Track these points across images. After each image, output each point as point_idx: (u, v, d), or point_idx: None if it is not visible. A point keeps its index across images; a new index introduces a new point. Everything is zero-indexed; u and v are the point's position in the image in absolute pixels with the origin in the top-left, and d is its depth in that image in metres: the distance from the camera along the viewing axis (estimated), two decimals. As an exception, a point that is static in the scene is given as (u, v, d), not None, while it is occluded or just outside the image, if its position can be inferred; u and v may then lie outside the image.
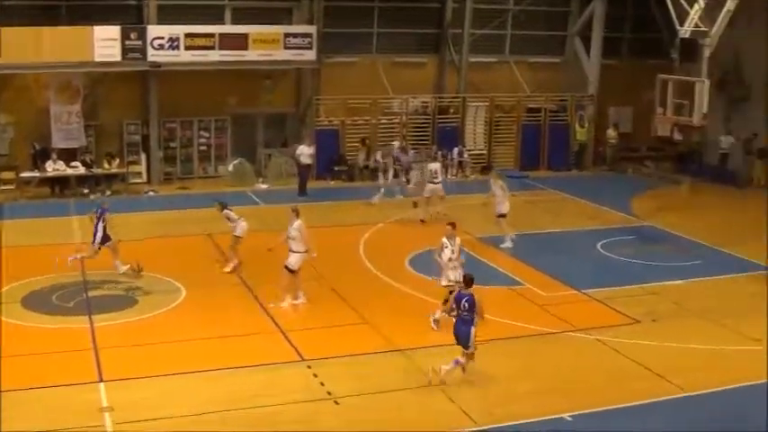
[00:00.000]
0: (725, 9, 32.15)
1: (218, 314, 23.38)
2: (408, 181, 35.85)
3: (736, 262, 29.31)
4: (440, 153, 41.42)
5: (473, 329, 19.50)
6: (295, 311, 23.89)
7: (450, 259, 22.97)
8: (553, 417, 18.06)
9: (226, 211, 27.63)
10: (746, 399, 19.27)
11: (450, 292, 21.94)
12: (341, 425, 17.59)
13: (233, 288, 25.53)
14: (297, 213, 24.71)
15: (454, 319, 20.01)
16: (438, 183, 33.64)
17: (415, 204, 34.12)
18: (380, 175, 39.28)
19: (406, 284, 26.10)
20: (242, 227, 27.35)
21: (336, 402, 18.47)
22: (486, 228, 31.77)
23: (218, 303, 24.23)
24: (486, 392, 19.13)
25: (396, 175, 37.20)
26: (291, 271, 24.30)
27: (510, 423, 17.75)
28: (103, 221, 26.24)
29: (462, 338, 19.61)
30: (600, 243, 30.93)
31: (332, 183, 39.96)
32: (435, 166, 34.41)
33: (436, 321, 22.66)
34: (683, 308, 24.89)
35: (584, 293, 25.82)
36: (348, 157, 41.13)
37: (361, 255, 29.03)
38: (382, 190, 36.13)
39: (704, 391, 19.40)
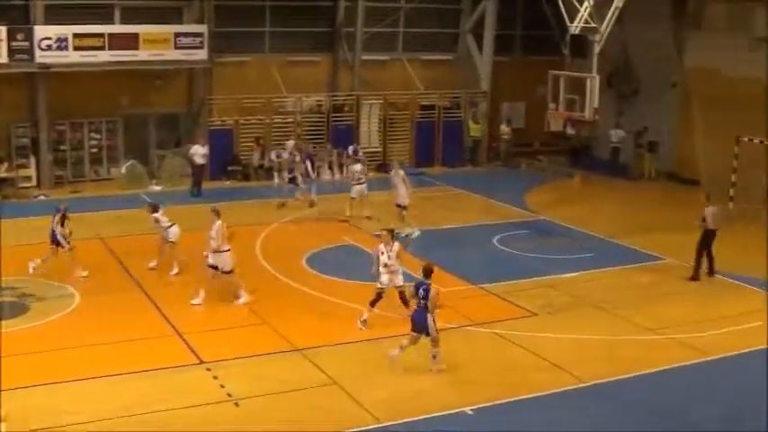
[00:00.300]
0: (614, 6, 32.59)
1: (114, 319, 22.98)
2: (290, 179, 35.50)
3: (629, 253, 29.81)
4: (335, 151, 41.54)
5: (430, 317, 19.98)
6: (196, 313, 23.63)
7: (385, 264, 22.86)
8: (454, 411, 18.15)
9: (155, 214, 27.13)
10: (642, 387, 19.59)
11: (379, 295, 22.56)
12: (242, 426, 17.44)
13: (128, 292, 25.15)
14: (217, 214, 24.59)
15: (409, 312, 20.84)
16: (363, 183, 33.68)
17: (281, 205, 34.01)
18: (275, 174, 39.24)
19: (304, 284, 26.01)
20: (174, 232, 26.93)
21: (237, 404, 18.32)
22: (383, 224, 31.80)
23: (113, 308, 23.83)
24: (387, 389, 19.12)
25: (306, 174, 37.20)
26: (229, 272, 24.15)
27: (412, 419, 17.79)
28: (57, 224, 26.08)
29: (418, 325, 20.12)
30: (496, 237, 31.17)
31: (227, 183, 39.63)
32: (358, 167, 34.31)
33: (364, 322, 22.72)
34: (578, 300, 25.22)
35: (482, 288, 26.01)
36: (242, 157, 40.83)
37: (258, 255, 28.84)
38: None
39: (601, 381, 19.68)
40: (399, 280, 22.87)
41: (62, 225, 26.28)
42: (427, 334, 20.07)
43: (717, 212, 27.81)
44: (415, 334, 20.21)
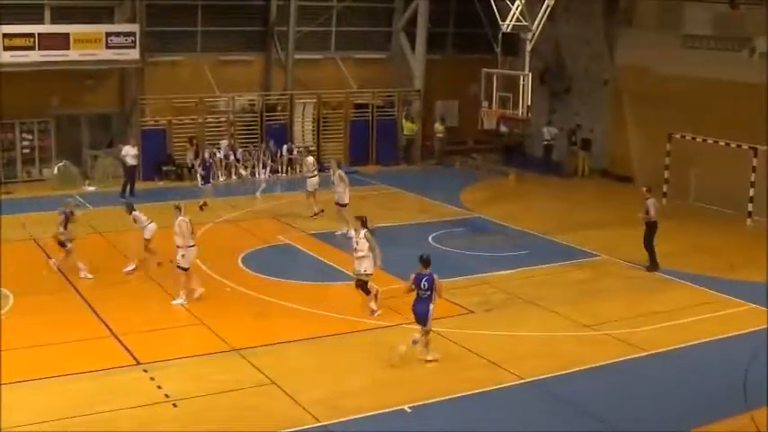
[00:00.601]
0: (545, 4, 32.85)
1: (50, 320, 22.72)
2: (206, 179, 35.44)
3: (564, 250, 30.00)
4: (269, 151, 41.44)
5: (431, 307, 20.48)
6: (132, 314, 23.39)
7: (354, 249, 23.47)
8: (393, 408, 18.15)
9: (134, 213, 27.22)
10: (580, 382, 19.74)
11: (358, 284, 23.43)
12: (180, 427, 17.29)
13: (63, 293, 24.87)
14: (180, 210, 24.67)
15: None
16: (316, 176, 34.04)
17: (204, 206, 33.87)
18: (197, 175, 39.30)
19: (240, 283, 25.88)
20: (150, 229, 27.00)
21: (175, 405, 18.17)
22: (318, 224, 31.87)
23: (48, 309, 23.57)
24: (326, 388, 19.06)
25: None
26: (184, 269, 24.14)
27: (351, 417, 17.76)
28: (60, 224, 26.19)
29: (422, 316, 20.52)
30: (431, 236, 31.23)
31: (160, 183, 39.33)
32: (311, 159, 34.91)
33: (372, 312, 23.58)
34: (514, 297, 25.35)
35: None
36: (176, 157, 40.55)
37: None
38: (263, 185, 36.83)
39: (541, 377, 19.79)
40: (363, 267, 23.33)
41: (65, 227, 26.23)
42: (424, 324, 20.42)
43: (657, 204, 28.64)
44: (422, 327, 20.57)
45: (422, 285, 20.42)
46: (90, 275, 26.16)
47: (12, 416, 17.45)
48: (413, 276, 20.78)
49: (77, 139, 40.27)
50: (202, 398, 18.53)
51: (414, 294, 20.69)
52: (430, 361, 20.49)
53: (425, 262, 20.70)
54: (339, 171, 31.56)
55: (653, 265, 27.74)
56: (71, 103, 39.05)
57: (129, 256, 27.55)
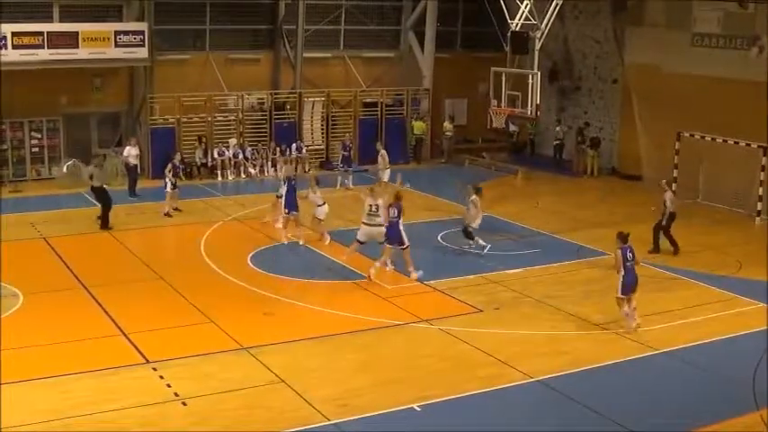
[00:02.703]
0: (554, 2, 32.77)
1: (59, 319, 22.73)
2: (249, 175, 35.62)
3: (573, 249, 29.96)
4: (278, 149, 41.46)
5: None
6: (141, 312, 23.40)
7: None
8: (402, 407, 18.14)
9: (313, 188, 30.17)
10: (589, 381, 19.72)
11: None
12: (189, 426, 17.28)
13: (72, 292, 24.87)
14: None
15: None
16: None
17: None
18: (219, 172, 39.45)
19: (250, 282, 25.86)
20: (323, 210, 30.29)
21: (184, 403, 18.18)
22: (328, 222, 31.80)
23: (58, 308, 23.55)
24: (336, 386, 19.06)
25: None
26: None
27: (361, 415, 17.76)
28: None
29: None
30: (440, 234, 31.21)
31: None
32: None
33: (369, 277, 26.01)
34: (523, 296, 25.31)
35: (427, 285, 26.01)
36: (185, 156, 40.53)
37: (203, 254, 28.65)
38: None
39: (550, 376, 19.75)
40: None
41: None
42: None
43: (674, 197, 29.55)
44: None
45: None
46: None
47: (19, 414, 17.46)
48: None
49: (86, 137, 40.34)
50: (212, 396, 18.52)
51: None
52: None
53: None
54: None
55: (655, 248, 29.41)
56: (80, 101, 39.12)
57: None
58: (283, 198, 29.94)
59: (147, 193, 36.46)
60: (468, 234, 29.19)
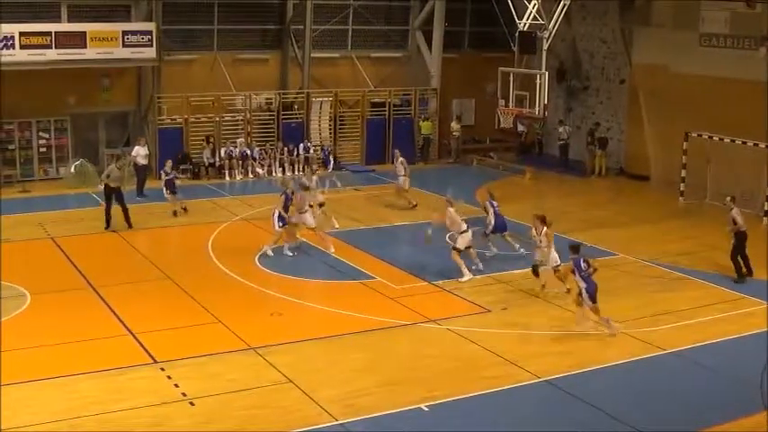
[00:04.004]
0: (561, 3, 32.80)
1: (66, 319, 22.78)
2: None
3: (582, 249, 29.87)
4: (285, 149, 41.51)
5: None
6: (149, 312, 23.41)
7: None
8: (410, 407, 18.14)
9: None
10: (596, 381, 19.71)
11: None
12: (197, 426, 17.30)
13: (80, 292, 24.90)
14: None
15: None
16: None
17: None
18: (226, 172, 39.54)
19: (257, 282, 25.90)
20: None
21: (192, 403, 18.19)
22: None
23: (65, 308, 23.60)
24: (343, 386, 19.06)
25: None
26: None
27: (368, 416, 17.76)
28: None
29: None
30: (448, 234, 31.11)
31: (177, 181, 39.29)
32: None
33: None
34: (531, 296, 25.27)
35: (435, 284, 26.03)
36: (193, 156, 40.61)
37: (210, 254, 28.68)
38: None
39: (557, 376, 19.74)
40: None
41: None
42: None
43: (741, 214, 27.47)
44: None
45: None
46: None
47: (26, 414, 17.51)
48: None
49: (94, 137, 40.46)
50: (219, 396, 18.53)
51: None
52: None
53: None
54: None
55: (740, 277, 26.71)
56: (88, 101, 39.17)
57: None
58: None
59: (155, 193, 36.43)
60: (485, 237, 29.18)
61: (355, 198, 36.07)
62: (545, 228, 25.40)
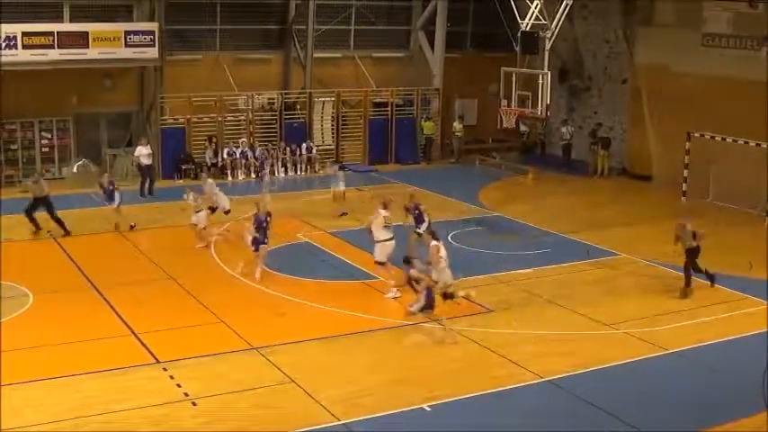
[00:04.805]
0: (564, 3, 32.80)
1: (69, 319, 22.80)
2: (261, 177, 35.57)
3: (583, 249, 29.89)
4: (288, 149, 41.54)
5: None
6: (151, 312, 23.42)
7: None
8: (412, 408, 18.15)
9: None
10: (599, 381, 19.70)
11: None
12: (200, 426, 17.32)
13: (82, 292, 24.91)
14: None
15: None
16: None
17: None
18: (229, 172, 39.59)
19: (260, 282, 25.86)
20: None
21: (194, 404, 18.20)
22: (338, 222, 31.90)
23: (68, 308, 23.63)
24: (345, 386, 19.07)
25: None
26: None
27: (370, 415, 17.78)
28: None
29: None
30: (450, 234, 31.14)
31: (180, 181, 39.36)
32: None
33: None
34: (533, 296, 25.29)
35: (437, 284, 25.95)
36: (195, 156, 40.62)
37: (213, 253, 28.69)
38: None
39: (560, 376, 19.77)
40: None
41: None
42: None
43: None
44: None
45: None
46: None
47: (29, 414, 17.54)
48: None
49: (97, 137, 40.47)
50: (222, 396, 18.54)
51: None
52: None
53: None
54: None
55: (686, 288, 25.59)
56: (90, 101, 39.18)
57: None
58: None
59: (157, 192, 36.54)
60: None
61: (356, 198, 36.03)
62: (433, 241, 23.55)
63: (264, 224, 26.21)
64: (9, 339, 21.07)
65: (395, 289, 24.83)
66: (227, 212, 31.03)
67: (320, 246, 29.75)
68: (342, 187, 34.65)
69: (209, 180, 31.85)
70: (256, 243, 26.23)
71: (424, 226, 27.74)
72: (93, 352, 20.73)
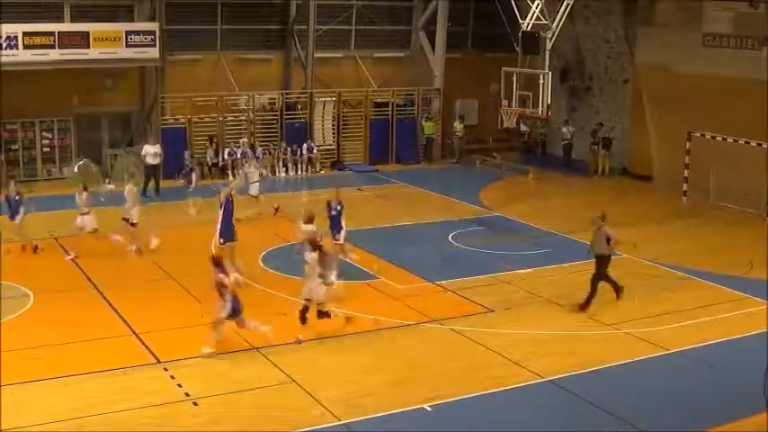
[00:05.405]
0: (564, 3, 32.83)
1: (70, 319, 22.78)
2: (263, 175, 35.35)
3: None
4: (288, 149, 41.55)
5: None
6: (152, 312, 23.41)
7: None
8: (413, 407, 18.17)
9: None
10: (600, 381, 19.72)
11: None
12: (201, 426, 17.33)
13: (84, 292, 24.91)
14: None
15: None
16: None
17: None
18: (229, 172, 39.58)
19: (260, 282, 25.80)
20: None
21: (195, 403, 18.21)
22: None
23: (69, 308, 23.62)
24: (346, 386, 19.09)
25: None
26: None
27: (371, 415, 17.79)
28: None
29: None
30: (451, 234, 31.20)
31: (180, 182, 39.36)
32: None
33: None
34: (534, 295, 25.30)
35: (438, 285, 26.02)
36: (196, 156, 40.59)
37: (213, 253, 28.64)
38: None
39: (561, 376, 19.79)
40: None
41: None
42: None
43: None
44: None
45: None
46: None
47: (30, 414, 17.54)
48: None
49: (97, 137, 40.43)
50: (223, 396, 18.56)
51: None
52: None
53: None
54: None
55: (586, 304, 24.10)
56: (91, 101, 39.16)
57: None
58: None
59: (167, 192, 36.49)
60: None
61: (358, 198, 36.05)
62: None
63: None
64: (9, 339, 21.05)
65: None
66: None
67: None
68: (255, 192, 33.56)
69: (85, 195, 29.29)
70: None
71: (342, 234, 27.05)
72: (94, 352, 20.72)
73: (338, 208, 27.20)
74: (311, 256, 22.28)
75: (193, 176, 38.49)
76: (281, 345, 21.21)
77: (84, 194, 28.67)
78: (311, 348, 21.22)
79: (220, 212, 26.54)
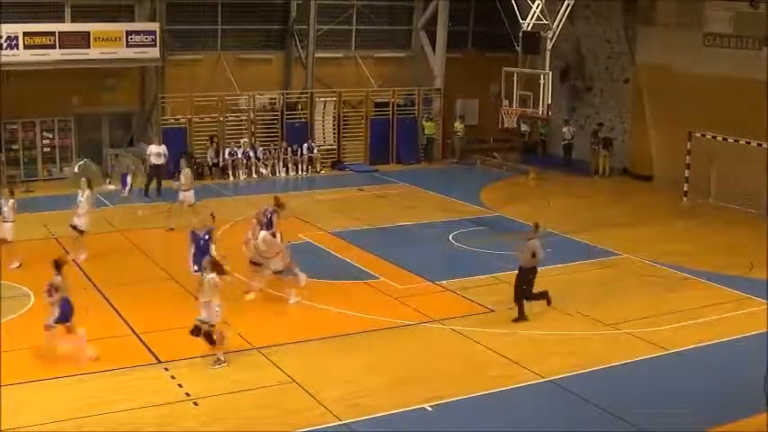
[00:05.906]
0: (565, 2, 32.80)
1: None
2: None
3: (584, 249, 29.91)
4: (289, 149, 41.56)
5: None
6: (152, 312, 23.40)
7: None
8: (414, 407, 18.16)
9: None
10: (600, 381, 19.71)
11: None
12: (201, 426, 17.32)
13: (84, 292, 24.80)
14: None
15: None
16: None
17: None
18: (230, 172, 39.59)
19: (261, 282, 25.83)
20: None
21: (195, 403, 18.21)
22: (340, 223, 31.87)
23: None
24: (347, 386, 19.08)
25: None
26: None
27: (372, 415, 17.79)
28: None
29: None
30: (452, 234, 31.20)
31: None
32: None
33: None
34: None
35: (438, 285, 26.01)
36: (196, 156, 40.60)
37: (214, 254, 28.56)
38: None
39: (561, 376, 19.77)
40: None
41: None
42: None
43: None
44: None
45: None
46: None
47: (30, 414, 17.53)
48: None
49: (98, 137, 40.45)
50: (223, 396, 18.56)
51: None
52: None
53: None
54: (88, 192, 28.85)
55: (520, 316, 23.46)
56: (92, 101, 39.16)
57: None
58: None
59: (168, 193, 36.43)
60: None
61: (358, 198, 36.06)
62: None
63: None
64: (11, 339, 21.06)
65: (294, 291, 24.35)
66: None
67: (321, 245, 29.74)
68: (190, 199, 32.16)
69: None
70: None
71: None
72: (95, 352, 20.72)
73: (274, 216, 25.52)
74: (210, 277, 20.33)
75: (128, 179, 37.60)
76: (282, 345, 21.20)
77: (87, 193, 28.58)
78: (312, 348, 21.21)
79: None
